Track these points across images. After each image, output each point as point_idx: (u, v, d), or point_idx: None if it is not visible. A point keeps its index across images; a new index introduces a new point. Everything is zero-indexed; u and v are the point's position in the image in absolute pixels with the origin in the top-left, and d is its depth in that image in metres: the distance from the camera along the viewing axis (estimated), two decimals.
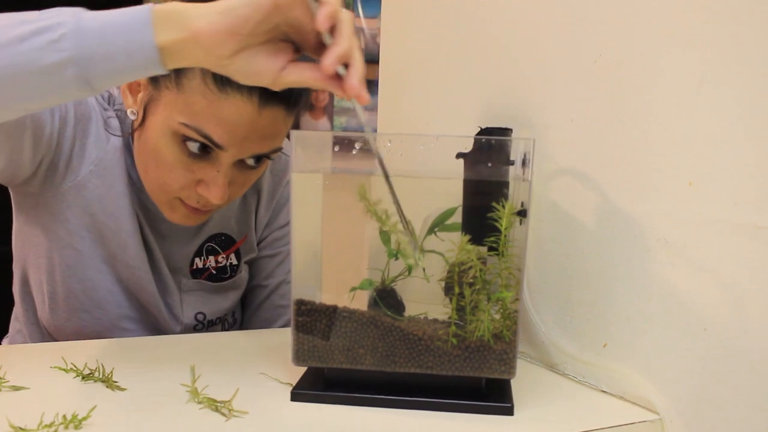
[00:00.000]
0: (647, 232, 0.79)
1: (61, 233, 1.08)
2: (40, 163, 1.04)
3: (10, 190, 1.12)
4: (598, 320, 0.86)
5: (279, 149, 1.01)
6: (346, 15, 0.73)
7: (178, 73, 0.94)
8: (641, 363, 0.80)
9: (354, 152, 0.78)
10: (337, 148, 0.78)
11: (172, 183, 1.00)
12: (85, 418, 0.69)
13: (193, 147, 0.96)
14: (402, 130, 1.22)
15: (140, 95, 1.00)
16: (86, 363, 0.85)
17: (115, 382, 0.81)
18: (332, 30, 0.72)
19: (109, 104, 1.09)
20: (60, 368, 0.85)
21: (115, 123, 1.08)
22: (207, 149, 0.97)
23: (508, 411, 0.76)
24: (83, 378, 0.83)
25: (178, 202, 1.04)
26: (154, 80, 0.97)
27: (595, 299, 0.86)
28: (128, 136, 1.08)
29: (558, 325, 0.92)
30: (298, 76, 0.75)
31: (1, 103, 0.76)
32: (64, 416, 0.68)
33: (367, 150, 0.77)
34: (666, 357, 0.77)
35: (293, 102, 0.98)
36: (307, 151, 0.78)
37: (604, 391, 0.85)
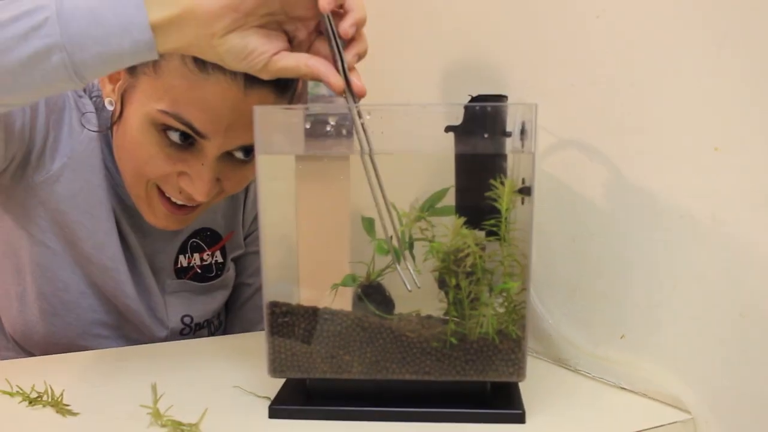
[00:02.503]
0: (667, 208, 0.71)
1: (32, 230, 1.02)
2: (13, 158, 0.97)
3: None
4: (613, 309, 0.78)
5: None
6: None
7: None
8: (666, 356, 0.72)
9: (329, 129, 0.69)
10: (308, 125, 0.69)
11: (151, 173, 0.93)
12: None
13: (174, 137, 0.90)
14: None
15: (119, 83, 0.93)
16: (33, 385, 0.75)
17: (66, 405, 0.72)
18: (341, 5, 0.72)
19: (84, 92, 1.02)
20: (4, 392, 0.76)
21: (91, 115, 1.01)
22: (189, 140, 0.90)
23: (520, 418, 0.68)
24: (30, 402, 0.73)
25: (157, 199, 0.96)
26: (131, 66, 0.90)
27: (609, 286, 0.78)
28: (107, 130, 1.01)
29: (567, 316, 0.84)
30: (294, 61, 0.73)
31: None
32: None
33: (344, 128, 0.69)
34: (695, 348, 0.69)
35: (283, 85, 0.91)
36: (274, 129, 0.70)
37: (624, 389, 0.76)
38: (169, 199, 0.96)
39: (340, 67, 0.71)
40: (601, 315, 0.80)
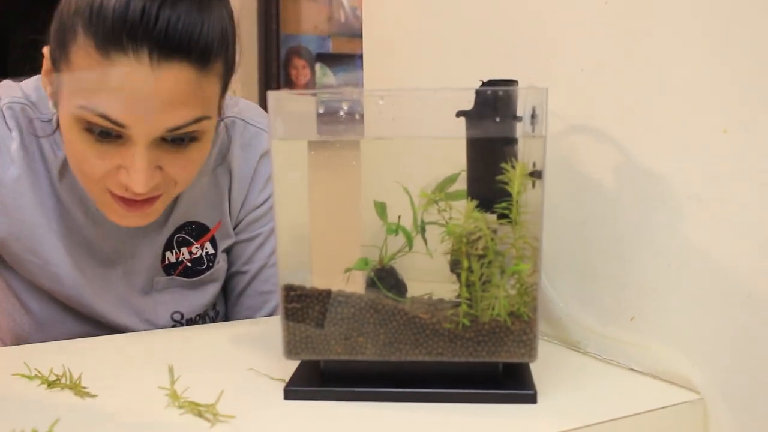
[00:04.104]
0: (676, 190, 0.71)
1: None
2: None
3: None
4: (622, 291, 0.77)
5: (202, 118, 0.88)
6: None
7: (66, 50, 0.84)
8: (675, 336, 0.72)
9: (341, 114, 0.69)
10: (321, 110, 0.69)
11: (93, 174, 0.89)
12: None
13: (96, 131, 0.85)
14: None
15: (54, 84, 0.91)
16: (51, 368, 0.76)
17: (84, 388, 0.72)
18: None
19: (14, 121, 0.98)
20: (23, 375, 0.76)
21: (14, 144, 0.98)
22: (111, 133, 0.85)
23: (531, 399, 0.68)
24: (49, 385, 0.74)
25: (110, 199, 0.92)
26: (55, 64, 0.88)
27: (618, 268, 0.78)
28: (50, 135, 0.98)
29: (577, 298, 0.83)
30: None
31: None
32: None
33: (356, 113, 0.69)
34: (704, 329, 0.69)
35: (200, 55, 0.84)
36: (287, 115, 0.69)
37: (634, 370, 0.76)
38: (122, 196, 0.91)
39: None
40: (610, 297, 0.79)
